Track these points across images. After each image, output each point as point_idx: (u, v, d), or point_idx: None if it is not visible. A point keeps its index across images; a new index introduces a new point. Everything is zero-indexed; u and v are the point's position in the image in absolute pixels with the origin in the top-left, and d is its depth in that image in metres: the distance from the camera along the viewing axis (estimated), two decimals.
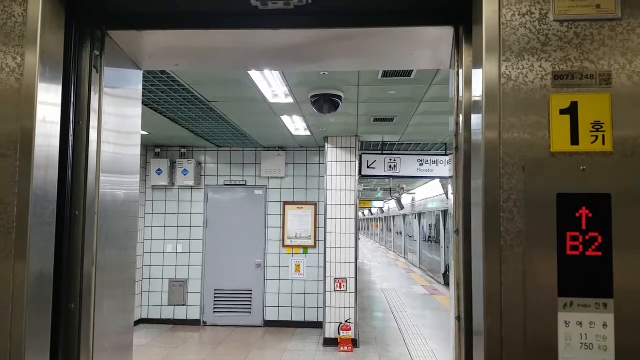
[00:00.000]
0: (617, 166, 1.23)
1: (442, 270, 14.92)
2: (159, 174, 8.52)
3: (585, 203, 1.23)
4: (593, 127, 1.24)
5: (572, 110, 1.25)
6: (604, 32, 1.27)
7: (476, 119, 1.36)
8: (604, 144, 1.24)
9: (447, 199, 11.78)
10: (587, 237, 1.22)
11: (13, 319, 1.34)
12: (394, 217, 31.47)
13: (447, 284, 13.44)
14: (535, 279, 1.23)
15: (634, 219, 1.21)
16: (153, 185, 8.65)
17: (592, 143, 1.24)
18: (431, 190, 16.35)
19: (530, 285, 1.23)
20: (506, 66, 1.27)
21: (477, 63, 1.35)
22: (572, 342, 1.21)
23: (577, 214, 1.23)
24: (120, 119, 1.87)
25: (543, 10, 1.28)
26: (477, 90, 1.34)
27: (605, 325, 1.21)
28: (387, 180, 13.91)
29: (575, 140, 1.24)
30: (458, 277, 1.49)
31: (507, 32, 1.28)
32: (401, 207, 18.99)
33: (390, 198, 19.86)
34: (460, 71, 1.53)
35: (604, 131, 1.24)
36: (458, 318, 1.49)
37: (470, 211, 1.41)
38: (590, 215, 1.22)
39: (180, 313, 8.60)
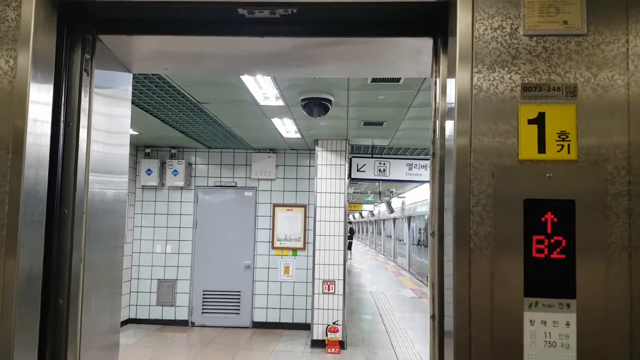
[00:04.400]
0: (581, 174, 1.30)
1: None
2: (148, 174, 8.54)
3: (550, 208, 1.30)
4: (559, 137, 1.32)
5: (539, 120, 1.32)
6: (571, 47, 1.34)
7: (449, 127, 1.43)
8: (569, 152, 1.31)
9: None
10: (552, 241, 1.29)
11: (2, 313, 1.38)
12: (384, 220, 31.61)
13: None
14: (502, 280, 1.30)
15: (596, 224, 1.29)
16: (143, 186, 8.66)
17: (558, 151, 1.31)
18: (421, 194, 16.48)
19: (498, 286, 1.30)
20: (478, 77, 1.34)
21: (451, 73, 1.42)
22: (536, 340, 1.28)
23: (543, 219, 1.30)
24: (109, 119, 1.92)
25: (514, 25, 1.36)
26: (451, 100, 1.41)
27: (568, 324, 1.28)
28: (377, 183, 14.00)
29: (542, 148, 1.32)
30: (433, 278, 1.55)
31: (480, 45, 1.36)
32: (391, 210, 19.10)
33: (380, 201, 19.96)
34: (438, 80, 1.60)
35: (569, 140, 1.31)
36: (432, 317, 1.56)
37: (443, 214, 1.48)
38: (555, 220, 1.29)
39: (168, 313, 8.61)
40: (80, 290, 1.68)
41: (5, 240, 1.40)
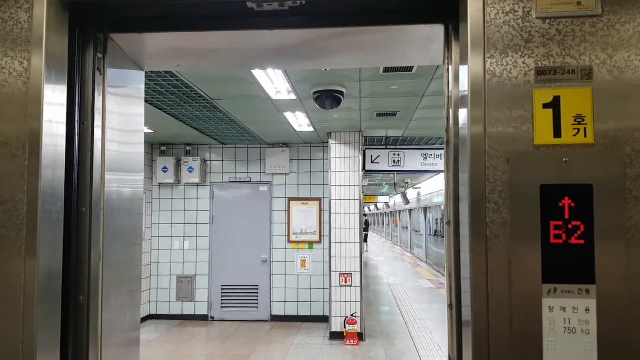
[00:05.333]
0: (598, 157, 1.28)
1: None
2: (165, 172, 8.62)
3: (567, 193, 1.28)
4: (575, 120, 1.29)
5: (554, 105, 1.30)
6: (585, 29, 1.31)
7: (463, 114, 1.41)
8: (585, 136, 1.29)
9: None
10: (569, 226, 1.27)
11: (25, 311, 1.41)
12: (399, 211, 31.49)
13: None
14: (520, 267, 1.28)
15: (614, 208, 1.26)
16: (159, 183, 8.75)
17: (574, 136, 1.29)
18: (437, 184, 16.37)
19: (515, 273, 1.28)
20: (490, 63, 1.32)
21: (464, 60, 1.40)
22: (555, 326, 1.27)
23: (560, 204, 1.28)
24: (123, 117, 1.94)
25: (526, 8, 1.33)
26: (464, 86, 1.40)
27: (587, 310, 1.26)
28: (391, 175, 13.94)
29: (557, 133, 1.29)
30: (449, 267, 1.54)
31: (492, 29, 1.33)
32: (407, 201, 19.01)
33: (396, 193, 19.88)
34: (450, 67, 1.58)
35: (586, 124, 1.29)
36: (450, 306, 1.55)
37: (459, 203, 1.47)
38: (572, 205, 1.27)
39: (188, 309, 8.71)
40: (100, 287, 1.70)
41: (25, 239, 1.43)
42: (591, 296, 1.26)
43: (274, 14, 1.64)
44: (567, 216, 1.27)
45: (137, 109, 2.09)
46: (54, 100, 1.52)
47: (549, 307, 1.27)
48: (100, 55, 1.71)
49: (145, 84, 2.17)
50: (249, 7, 1.61)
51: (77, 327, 1.67)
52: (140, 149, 2.11)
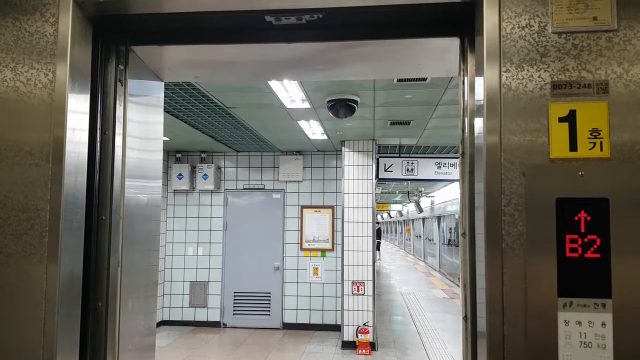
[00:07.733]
0: (615, 171, 1.28)
1: None
2: (180, 179, 8.71)
3: (583, 207, 1.28)
4: (591, 134, 1.30)
5: (570, 118, 1.30)
6: (601, 43, 1.32)
7: (478, 126, 1.42)
8: (601, 150, 1.29)
9: None
10: (585, 240, 1.27)
11: (46, 315, 1.44)
12: (413, 220, 31.34)
13: None
14: (535, 280, 1.28)
15: (631, 222, 1.26)
16: (174, 190, 8.84)
17: (590, 149, 1.29)
18: (451, 192, 16.28)
19: (531, 286, 1.28)
20: (506, 76, 1.33)
21: (479, 72, 1.42)
22: (571, 340, 1.26)
23: (576, 218, 1.28)
24: (143, 126, 1.98)
25: (542, 23, 1.34)
26: (479, 98, 1.41)
27: (604, 324, 1.26)
28: (405, 183, 13.90)
29: (573, 146, 1.30)
30: (465, 278, 1.55)
31: (507, 44, 1.35)
32: (420, 210, 18.92)
33: (409, 201, 19.80)
34: (466, 79, 1.59)
35: (602, 138, 1.29)
36: (465, 318, 1.55)
37: (474, 214, 1.47)
38: (588, 218, 1.27)
39: (200, 315, 8.75)
40: (118, 293, 1.73)
41: (48, 246, 1.46)
42: (607, 310, 1.26)
43: (292, 28, 1.67)
44: (583, 230, 1.27)
45: (157, 118, 2.13)
46: (77, 110, 1.56)
47: (565, 320, 1.27)
48: (121, 67, 1.75)
49: (164, 93, 2.21)
50: (267, 20, 1.64)
51: (95, 332, 1.69)
52: (159, 156, 2.15)
